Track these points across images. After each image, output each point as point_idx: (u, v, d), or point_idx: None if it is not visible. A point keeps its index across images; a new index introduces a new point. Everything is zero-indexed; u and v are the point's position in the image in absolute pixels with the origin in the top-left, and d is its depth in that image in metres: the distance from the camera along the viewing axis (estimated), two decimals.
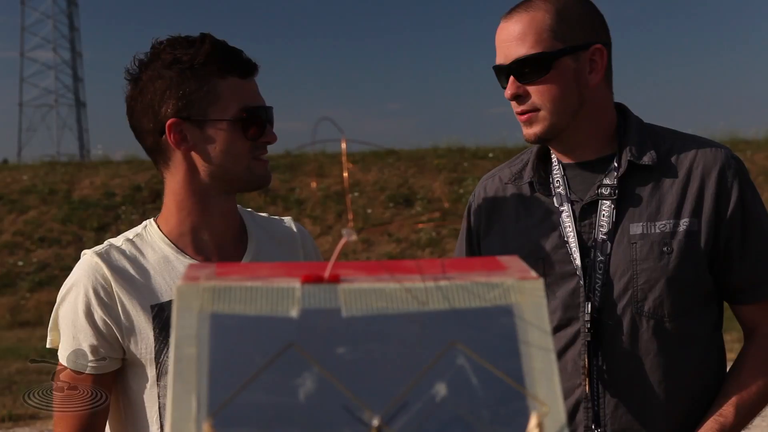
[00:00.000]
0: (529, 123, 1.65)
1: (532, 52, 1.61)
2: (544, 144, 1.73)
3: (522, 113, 1.66)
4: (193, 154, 1.61)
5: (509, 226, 1.79)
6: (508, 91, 1.65)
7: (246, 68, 1.62)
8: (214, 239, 1.68)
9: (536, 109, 1.64)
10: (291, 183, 14.84)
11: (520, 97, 1.64)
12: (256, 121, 1.60)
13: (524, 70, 1.62)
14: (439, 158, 15.67)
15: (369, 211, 14.03)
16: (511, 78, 1.64)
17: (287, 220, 1.88)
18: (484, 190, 1.89)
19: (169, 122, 1.57)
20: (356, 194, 14.47)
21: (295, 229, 1.85)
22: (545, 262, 1.69)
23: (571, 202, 1.70)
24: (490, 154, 15.27)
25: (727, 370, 1.74)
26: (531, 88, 1.63)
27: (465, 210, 1.93)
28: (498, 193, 1.84)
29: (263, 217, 1.86)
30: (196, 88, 1.56)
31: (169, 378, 0.67)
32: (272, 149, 1.69)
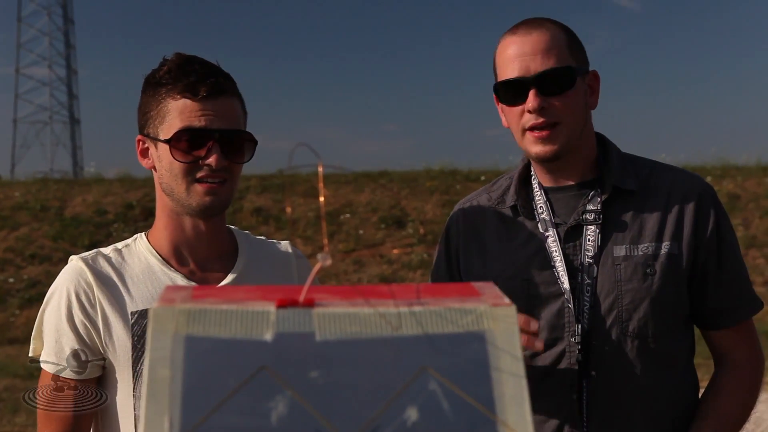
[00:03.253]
0: (549, 139, 1.65)
1: (561, 65, 1.62)
2: (554, 162, 1.71)
3: (542, 127, 1.64)
4: (154, 171, 1.66)
5: (491, 249, 1.80)
6: (534, 104, 1.62)
7: (194, 89, 1.56)
8: (194, 257, 1.70)
9: (556, 123, 1.64)
10: (283, 203, 14.82)
11: (543, 110, 1.63)
12: (190, 142, 1.57)
13: (550, 82, 1.62)
14: (431, 180, 15.69)
15: (361, 231, 14.01)
16: (534, 91, 1.62)
17: (284, 243, 1.89)
18: (463, 214, 1.90)
19: (137, 137, 1.67)
20: (348, 215, 14.46)
21: (291, 252, 1.86)
22: (529, 284, 1.71)
23: (555, 225, 1.73)
24: (483, 177, 15.28)
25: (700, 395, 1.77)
26: (554, 101, 1.63)
27: (442, 235, 1.93)
28: (477, 217, 1.86)
29: (259, 239, 1.87)
30: (153, 106, 1.61)
31: (142, 399, 0.68)
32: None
